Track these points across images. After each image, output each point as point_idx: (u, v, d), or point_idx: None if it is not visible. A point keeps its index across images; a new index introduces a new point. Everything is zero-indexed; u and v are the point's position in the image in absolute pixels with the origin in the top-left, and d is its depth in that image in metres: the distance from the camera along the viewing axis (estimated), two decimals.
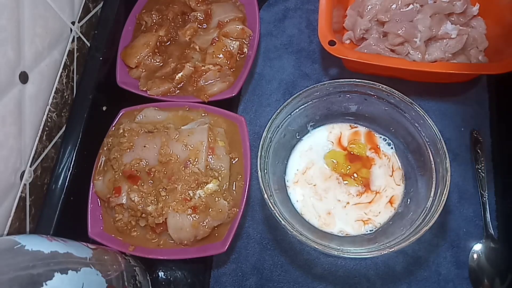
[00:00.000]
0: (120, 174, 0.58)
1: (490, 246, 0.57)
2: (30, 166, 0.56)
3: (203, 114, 0.64)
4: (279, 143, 0.57)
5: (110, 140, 0.62)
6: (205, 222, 0.55)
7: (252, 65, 0.66)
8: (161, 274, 0.60)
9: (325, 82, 0.56)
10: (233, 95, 0.64)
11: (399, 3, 0.65)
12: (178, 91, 0.66)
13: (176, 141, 0.58)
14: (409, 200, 0.56)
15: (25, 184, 0.55)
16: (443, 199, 0.49)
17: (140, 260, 0.57)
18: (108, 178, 0.59)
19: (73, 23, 0.65)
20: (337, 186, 0.59)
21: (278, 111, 0.55)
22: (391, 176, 0.59)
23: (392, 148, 0.61)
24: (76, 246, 0.44)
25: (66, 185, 0.58)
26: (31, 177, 0.56)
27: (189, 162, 0.57)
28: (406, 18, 0.64)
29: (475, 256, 0.57)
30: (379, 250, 0.48)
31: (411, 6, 0.65)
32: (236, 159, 0.60)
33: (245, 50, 0.68)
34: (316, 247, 0.48)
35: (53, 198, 0.57)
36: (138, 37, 0.70)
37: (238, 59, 0.68)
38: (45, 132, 0.59)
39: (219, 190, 0.57)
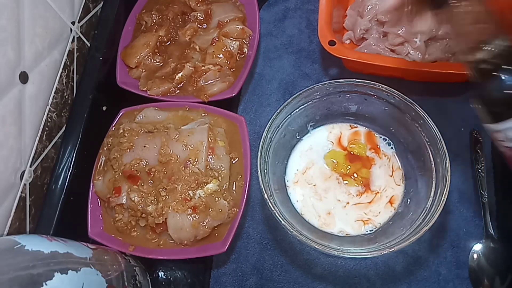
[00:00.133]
0: (120, 174, 0.58)
1: (490, 246, 0.57)
2: (30, 166, 0.56)
3: (203, 114, 0.64)
4: (279, 143, 0.57)
5: (110, 140, 0.62)
6: (205, 222, 0.55)
7: (252, 65, 0.66)
8: (161, 274, 0.60)
9: (325, 82, 0.56)
10: (233, 95, 0.64)
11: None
12: (178, 91, 0.66)
13: (176, 141, 0.58)
14: (409, 200, 0.56)
15: (25, 184, 0.55)
16: (443, 199, 0.49)
17: (140, 260, 0.57)
18: (108, 178, 0.59)
19: (73, 23, 0.66)
20: (337, 186, 0.59)
21: (278, 111, 0.55)
22: (391, 176, 0.59)
23: (392, 148, 0.61)
24: (76, 246, 0.44)
25: (66, 185, 0.58)
26: (31, 177, 0.56)
27: (189, 162, 0.57)
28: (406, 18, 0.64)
29: (475, 256, 0.57)
30: (379, 250, 0.48)
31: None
32: (236, 159, 0.60)
33: (245, 50, 0.68)
34: (316, 247, 0.48)
35: (53, 198, 0.57)
36: (138, 37, 0.71)
37: (238, 59, 0.68)
38: (45, 132, 0.59)
39: (219, 190, 0.57)
